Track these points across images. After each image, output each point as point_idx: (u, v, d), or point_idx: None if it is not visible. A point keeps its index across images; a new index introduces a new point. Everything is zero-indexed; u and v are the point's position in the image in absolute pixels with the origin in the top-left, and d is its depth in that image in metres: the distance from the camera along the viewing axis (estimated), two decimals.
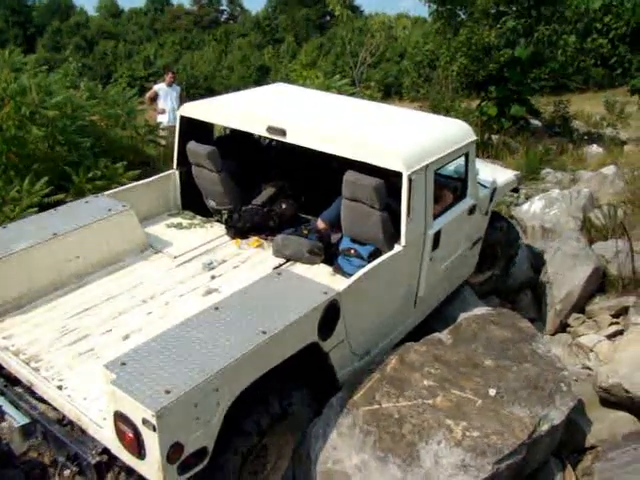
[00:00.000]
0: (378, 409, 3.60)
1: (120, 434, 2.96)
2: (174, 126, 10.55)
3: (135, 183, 5.53)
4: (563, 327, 6.29)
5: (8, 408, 3.59)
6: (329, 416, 3.70)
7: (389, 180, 4.38)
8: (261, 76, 52.13)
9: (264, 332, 3.25)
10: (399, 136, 4.79)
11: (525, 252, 7.06)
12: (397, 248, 4.32)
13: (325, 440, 3.61)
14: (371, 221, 4.44)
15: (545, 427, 3.64)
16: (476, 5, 18.02)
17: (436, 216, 4.70)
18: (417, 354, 4.08)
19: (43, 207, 5.85)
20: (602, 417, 4.33)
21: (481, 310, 4.95)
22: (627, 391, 4.13)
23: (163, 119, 10.70)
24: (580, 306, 6.37)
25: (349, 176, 4.44)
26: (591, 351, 5.77)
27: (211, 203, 5.50)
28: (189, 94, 41.92)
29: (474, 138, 5.19)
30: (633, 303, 6.14)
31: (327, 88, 10.73)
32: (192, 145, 5.24)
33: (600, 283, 6.56)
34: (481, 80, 17.24)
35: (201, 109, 5.34)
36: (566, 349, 5.83)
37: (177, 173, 5.59)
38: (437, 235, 4.67)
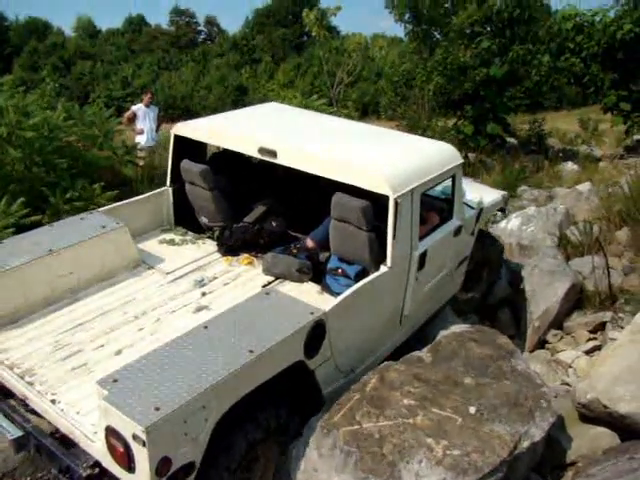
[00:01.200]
0: (359, 429, 3.59)
1: (111, 448, 3.06)
2: (152, 146, 10.68)
3: (129, 200, 5.59)
4: (542, 343, 6.33)
5: (2, 421, 3.64)
6: (309, 437, 3.67)
7: (377, 202, 4.44)
8: (239, 96, 52.18)
9: (251, 351, 3.35)
10: (387, 159, 4.86)
11: (503, 269, 7.11)
12: (383, 269, 4.40)
13: (306, 461, 3.58)
14: (358, 241, 4.53)
15: (525, 444, 3.64)
16: (451, 25, 18.27)
17: (422, 237, 4.80)
18: (397, 373, 4.07)
19: (20, 228, 5.81)
20: (582, 433, 4.35)
21: (460, 328, 4.96)
22: (605, 406, 4.15)
23: (141, 139, 10.69)
24: (558, 322, 6.41)
25: (337, 198, 4.54)
26: (570, 367, 5.81)
27: (203, 220, 5.61)
28: (167, 114, 41.92)
29: (461, 161, 5.28)
30: (610, 318, 6.20)
31: (305, 108, 10.79)
32: (185, 163, 5.36)
33: (577, 299, 6.61)
34: (457, 99, 17.44)
35: (194, 129, 5.45)
36: (545, 365, 5.85)
37: (170, 190, 5.69)
38: (423, 256, 4.77)
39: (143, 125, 10.92)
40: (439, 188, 5.38)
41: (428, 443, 3.46)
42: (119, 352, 3.99)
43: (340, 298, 4.08)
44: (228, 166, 5.71)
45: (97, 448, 3.23)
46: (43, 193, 6.60)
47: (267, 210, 5.51)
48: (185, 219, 5.71)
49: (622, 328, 5.51)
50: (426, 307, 5.36)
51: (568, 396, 4.78)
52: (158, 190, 5.74)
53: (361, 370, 4.43)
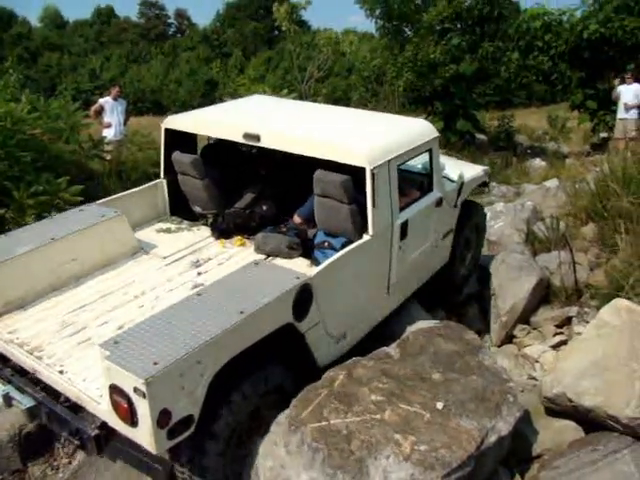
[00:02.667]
0: (326, 425, 3.57)
1: (115, 405, 3.27)
2: (120, 140, 10.54)
3: (125, 192, 5.83)
4: (509, 338, 6.39)
5: (15, 394, 3.94)
6: (277, 434, 3.66)
7: (358, 177, 4.64)
8: (209, 90, 51.87)
9: (241, 312, 3.58)
10: (363, 135, 5.16)
11: None
12: (366, 237, 4.66)
13: (273, 458, 3.56)
14: (341, 214, 4.76)
15: (493, 438, 3.66)
16: (422, 22, 18.32)
17: (403, 208, 5.04)
18: (365, 369, 4.07)
19: None
20: (548, 426, 4.40)
21: (428, 323, 4.98)
22: (571, 400, 4.20)
23: (109, 133, 10.55)
24: (525, 317, 6.47)
25: (319, 174, 4.78)
26: (536, 361, 5.87)
27: (197, 208, 5.85)
28: (136, 108, 41.49)
29: (436, 135, 5.51)
30: (576, 313, 6.28)
31: None
32: (177, 155, 5.61)
33: (544, 294, 6.69)
34: (427, 95, 17.53)
35: (183, 121, 5.75)
36: (512, 360, 5.92)
37: (164, 182, 5.93)
38: (404, 225, 5.00)
39: (111, 119, 10.77)
40: (419, 165, 5.68)
41: (396, 439, 3.46)
42: (121, 327, 4.13)
43: (325, 264, 4.31)
44: (218, 157, 5.97)
45: (103, 409, 3.44)
46: (6, 187, 6.44)
47: (257, 196, 5.77)
48: (180, 209, 5.96)
49: (587, 323, 5.58)
50: (413, 278, 5.59)
51: (535, 390, 4.84)
52: (152, 182, 5.97)
53: (352, 337, 4.73)
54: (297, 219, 5.43)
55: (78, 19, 74.46)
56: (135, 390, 3.10)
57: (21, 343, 4.08)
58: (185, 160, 5.53)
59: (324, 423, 3.60)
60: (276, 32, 59.45)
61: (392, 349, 4.41)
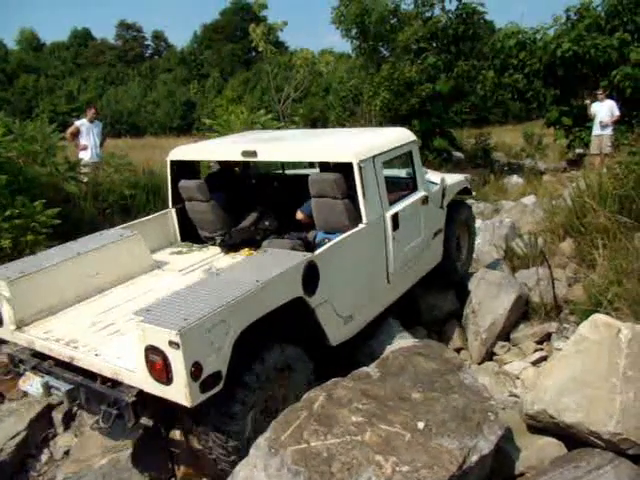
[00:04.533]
0: (306, 448, 3.52)
1: (151, 366, 3.59)
2: (96, 162, 10.47)
3: (136, 221, 6.26)
4: (490, 355, 6.38)
5: (54, 382, 4.23)
6: (257, 457, 3.59)
7: (349, 176, 5.19)
8: (187, 111, 51.91)
9: (258, 281, 4.01)
10: (349, 139, 6.01)
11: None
12: (361, 225, 5.16)
13: None
14: (336, 210, 5.26)
15: (474, 458, 3.62)
16: (397, 42, 18.49)
17: (392, 202, 5.58)
18: (345, 389, 4.03)
19: None
20: (530, 444, 4.36)
21: (408, 342, 4.96)
22: (552, 417, 4.18)
23: (85, 155, 10.48)
24: (505, 334, 6.48)
25: (313, 176, 5.37)
26: (517, 378, 5.86)
27: (204, 233, 6.33)
28: (114, 129, 41.36)
29: (414, 139, 6.16)
30: (555, 329, 6.29)
31: (252, 123, 10.76)
32: (183, 182, 6.14)
33: (524, 311, 6.70)
34: (404, 114, 17.64)
35: (187, 152, 6.38)
36: (493, 377, 5.90)
37: (173, 210, 6.44)
38: (395, 217, 5.49)
39: (87, 141, 10.72)
40: (404, 173, 6.41)
41: (377, 460, 3.42)
42: None
43: (327, 245, 4.81)
44: (220, 183, 6.44)
45: (138, 377, 3.75)
46: None
47: (259, 215, 6.31)
48: (189, 236, 6.46)
49: (567, 338, 5.59)
50: (411, 271, 6.04)
51: (516, 407, 4.81)
52: (163, 211, 6.50)
53: (359, 320, 5.17)
54: (300, 215, 5.84)
55: (55, 41, 74.42)
56: (170, 343, 3.44)
57: (57, 339, 4.42)
58: (191, 185, 6.05)
59: (304, 445, 3.55)
60: (253, 53, 59.72)
61: (372, 369, 4.37)
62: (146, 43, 79.28)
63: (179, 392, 3.54)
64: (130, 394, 3.85)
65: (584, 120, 15.93)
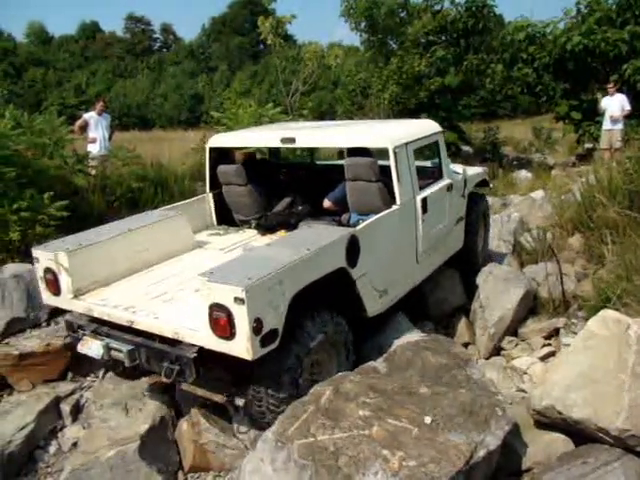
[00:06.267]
0: (313, 442, 3.52)
1: (214, 323, 3.89)
2: (105, 155, 10.48)
3: (175, 204, 6.60)
4: (497, 350, 6.36)
5: (114, 344, 4.54)
6: (264, 451, 3.60)
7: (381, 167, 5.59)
8: (195, 104, 51.92)
9: (308, 249, 4.32)
10: (384, 128, 6.37)
11: (457, 277, 7.15)
12: (395, 207, 5.48)
13: (260, 476, 3.50)
14: (370, 192, 5.59)
15: (481, 453, 3.62)
16: (406, 35, 18.43)
17: (421, 188, 5.91)
18: (352, 384, 4.03)
19: None
20: (537, 439, 4.35)
21: (415, 336, 4.95)
22: (560, 412, 4.17)
23: (93, 148, 10.49)
24: (513, 329, 6.45)
25: (349, 160, 5.68)
26: (525, 373, 5.84)
27: (239, 216, 6.70)
28: (122, 122, 41.40)
29: (441, 130, 6.56)
30: (563, 324, 6.26)
31: (260, 116, 10.73)
32: (221, 167, 6.50)
33: (532, 306, 6.67)
34: (413, 107, 17.58)
35: (227, 139, 6.77)
36: (501, 372, 5.87)
37: (210, 195, 6.80)
38: (424, 201, 5.84)
39: (95, 134, 10.73)
40: (429, 163, 6.87)
41: (384, 454, 3.42)
42: (197, 290, 4.59)
43: (366, 222, 5.11)
44: (253, 171, 6.67)
45: (200, 335, 4.05)
46: None
47: (291, 201, 6.67)
48: (225, 220, 6.83)
49: (575, 334, 5.56)
50: (436, 253, 6.40)
51: (523, 403, 4.80)
52: (200, 196, 6.90)
53: (392, 295, 5.50)
54: (327, 203, 6.21)
55: (63, 34, 74.53)
56: (235, 300, 3.74)
57: (115, 305, 4.73)
58: (230, 170, 6.44)
59: (311, 439, 3.55)
60: (261, 46, 59.65)
61: (379, 363, 4.36)
62: (154, 36, 79.34)
63: (241, 346, 3.84)
64: (191, 351, 4.13)
65: (594, 114, 15.83)
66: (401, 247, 5.69)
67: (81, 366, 5.59)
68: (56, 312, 5.95)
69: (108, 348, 4.56)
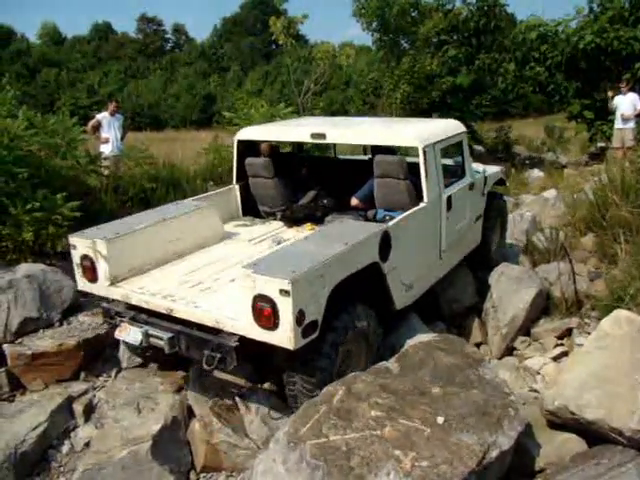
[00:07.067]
0: (325, 442, 3.52)
1: (258, 313, 4.02)
2: (117, 156, 10.52)
3: (204, 194, 6.84)
4: (510, 350, 6.34)
5: (153, 331, 4.69)
6: (276, 451, 3.60)
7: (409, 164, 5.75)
8: (207, 104, 52.00)
9: (346, 243, 4.47)
10: (412, 127, 6.37)
11: (470, 277, 7.13)
12: (422, 204, 5.62)
13: (273, 476, 3.50)
14: (399, 190, 5.77)
15: (494, 453, 3.60)
16: (418, 34, 18.39)
17: (447, 186, 6.08)
18: (364, 384, 4.03)
19: None
20: (550, 440, 4.33)
21: (427, 336, 4.94)
22: (573, 413, 4.15)
23: (106, 149, 10.53)
24: (526, 329, 6.43)
25: (379, 158, 5.88)
26: (538, 374, 5.82)
27: (265, 208, 6.85)
28: (134, 123, 41.54)
29: (465, 130, 6.76)
30: (576, 324, 6.23)
31: (271, 116, 10.75)
32: (250, 159, 6.69)
33: (544, 305, 6.64)
34: (424, 107, 17.53)
35: (256, 132, 6.92)
36: (513, 372, 5.85)
37: (237, 187, 6.94)
38: (449, 199, 6.03)
39: (108, 134, 10.77)
40: (452, 162, 6.94)
41: (396, 455, 3.41)
42: (232, 280, 4.95)
43: (397, 219, 5.27)
44: (280, 164, 6.80)
45: (241, 324, 4.19)
46: (3, 204, 6.42)
47: (316, 194, 6.80)
48: (250, 211, 6.98)
49: (588, 334, 5.54)
50: (456, 250, 6.55)
51: (536, 403, 4.78)
52: (227, 187, 7.03)
53: (417, 289, 5.66)
54: (354, 201, 6.34)
55: (76, 35, 74.93)
56: (281, 292, 3.87)
57: (154, 293, 4.87)
58: (258, 163, 6.60)
59: (323, 439, 3.55)
60: (273, 46, 59.71)
61: (391, 363, 4.36)
62: (166, 37, 79.54)
63: (284, 337, 3.98)
64: (233, 340, 4.29)
65: (606, 113, 15.72)
66: (426, 243, 5.85)
67: (94, 366, 5.61)
68: (69, 312, 5.99)
69: (147, 335, 4.70)
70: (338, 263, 4.32)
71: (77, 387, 5.34)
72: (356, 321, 4.65)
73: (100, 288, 5.10)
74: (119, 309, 5.03)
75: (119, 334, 4.87)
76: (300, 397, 4.40)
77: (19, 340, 5.56)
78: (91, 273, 5.07)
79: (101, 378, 5.54)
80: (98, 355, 5.69)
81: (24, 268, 6.05)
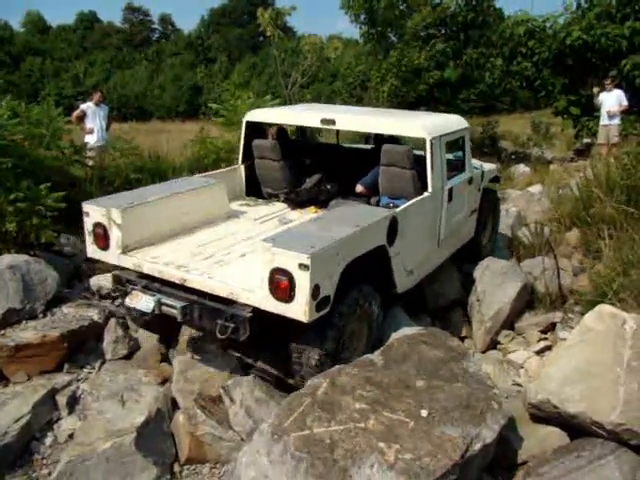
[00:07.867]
0: (309, 434, 3.53)
1: (275, 286, 4.15)
2: (102, 146, 10.45)
3: (210, 172, 6.97)
4: (494, 344, 6.37)
5: (166, 300, 4.75)
6: (260, 443, 3.60)
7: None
8: (193, 96, 51.74)
9: (357, 225, 4.63)
10: (420, 119, 6.56)
11: (455, 270, 7.15)
12: (426, 194, 5.83)
13: (256, 468, 3.51)
14: (404, 179, 5.91)
15: (477, 446, 3.63)
16: (406, 28, 18.37)
17: (448, 178, 6.26)
18: (348, 377, 4.03)
19: None
20: (533, 433, 4.37)
21: (412, 330, 4.96)
22: (555, 406, 4.18)
23: (91, 139, 10.47)
24: (510, 323, 6.46)
25: (386, 147, 5.99)
26: (521, 367, 5.86)
27: (268, 189, 6.98)
28: (120, 113, 41.26)
29: (468, 126, 6.93)
30: (560, 319, 6.28)
31: (257, 108, 10.70)
32: (257, 141, 6.83)
33: (528, 300, 6.68)
34: (412, 101, 17.54)
35: (266, 115, 7.06)
36: (497, 366, 5.89)
37: (242, 167, 7.08)
38: (450, 191, 6.23)
39: (93, 124, 10.69)
40: (452, 156, 6.96)
41: (380, 447, 3.43)
42: (243, 255, 5.18)
43: (404, 205, 5.45)
44: (286, 147, 6.94)
45: (256, 296, 4.31)
46: None
47: (319, 179, 6.95)
48: (253, 192, 7.10)
49: (572, 328, 5.57)
50: (452, 240, 6.70)
51: (519, 397, 4.82)
52: (232, 167, 7.21)
53: (416, 275, 5.84)
54: (359, 188, 6.46)
55: (61, 24, 74.06)
56: (300, 266, 4.01)
57: (167, 262, 4.98)
58: (266, 145, 6.75)
59: (307, 432, 3.56)
60: (261, 38, 59.34)
61: (376, 356, 4.37)
62: (153, 27, 78.94)
63: (298, 309, 4.11)
64: (247, 310, 4.39)
65: (592, 110, 15.78)
66: (427, 231, 6.04)
67: (77, 358, 5.58)
68: (53, 303, 5.95)
69: (159, 303, 4.76)
70: (351, 243, 4.49)
71: (60, 379, 5.29)
72: (364, 299, 4.85)
73: (111, 256, 5.19)
74: (131, 277, 5.09)
75: (130, 302, 4.92)
76: (305, 370, 4.54)
77: (2, 332, 5.51)
78: (103, 241, 5.16)
79: (85, 370, 5.50)
80: (82, 347, 5.65)
81: (7, 259, 5.99)
